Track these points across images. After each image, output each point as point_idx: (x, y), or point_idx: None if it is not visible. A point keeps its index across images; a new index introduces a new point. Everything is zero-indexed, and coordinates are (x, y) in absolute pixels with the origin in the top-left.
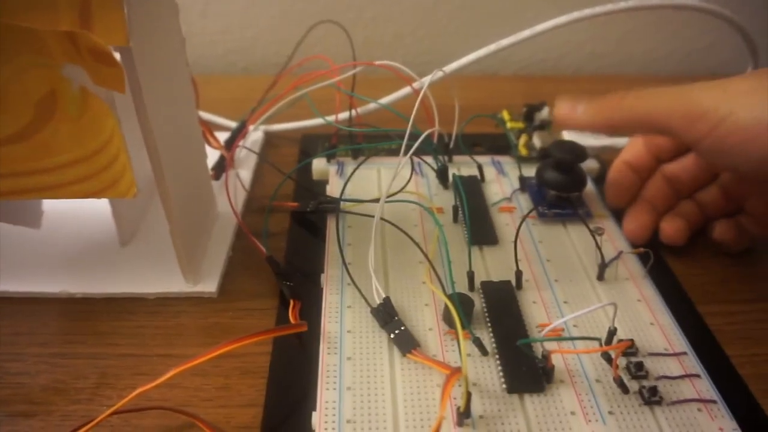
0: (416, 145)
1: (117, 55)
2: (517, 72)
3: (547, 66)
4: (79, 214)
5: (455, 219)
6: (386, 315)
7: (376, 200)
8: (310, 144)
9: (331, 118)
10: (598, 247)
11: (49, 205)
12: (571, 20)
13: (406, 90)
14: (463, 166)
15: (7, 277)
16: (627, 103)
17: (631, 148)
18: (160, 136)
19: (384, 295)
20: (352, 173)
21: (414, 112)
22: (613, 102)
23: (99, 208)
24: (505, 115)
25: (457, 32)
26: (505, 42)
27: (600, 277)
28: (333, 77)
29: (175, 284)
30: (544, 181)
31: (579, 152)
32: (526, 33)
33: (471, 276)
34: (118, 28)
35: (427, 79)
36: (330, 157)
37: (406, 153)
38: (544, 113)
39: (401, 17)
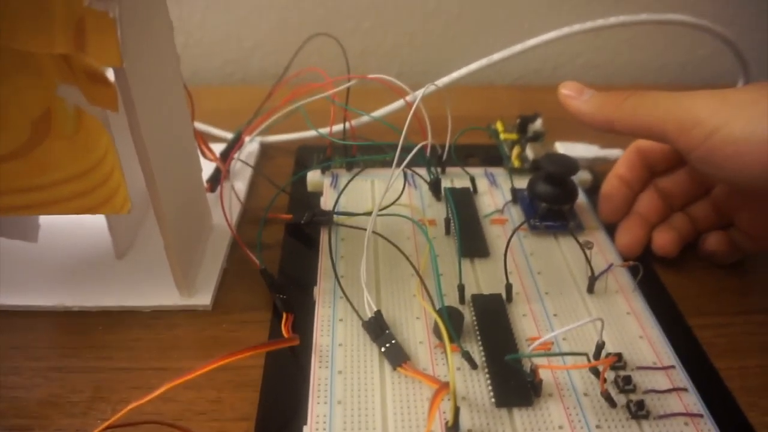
0: (409, 157)
1: (111, 75)
2: (513, 82)
3: (542, 76)
4: (75, 227)
5: (447, 231)
6: (377, 328)
7: (369, 213)
8: (306, 155)
9: (325, 130)
10: (588, 261)
11: (45, 219)
12: (561, 35)
13: (399, 103)
14: (456, 178)
15: (4, 290)
16: (628, 104)
17: (624, 162)
18: (154, 152)
19: (375, 309)
20: (345, 186)
21: (406, 126)
22: (617, 100)
23: (95, 221)
24: (499, 126)
25: (453, 42)
26: (496, 56)
27: (590, 289)
28: (327, 90)
29: (170, 297)
30: (535, 194)
31: (570, 165)
32: (517, 48)
33: (461, 289)
34: (112, 49)
35: (419, 93)
36: (324, 169)
37: (398, 166)
38: (538, 125)
39: (398, 27)
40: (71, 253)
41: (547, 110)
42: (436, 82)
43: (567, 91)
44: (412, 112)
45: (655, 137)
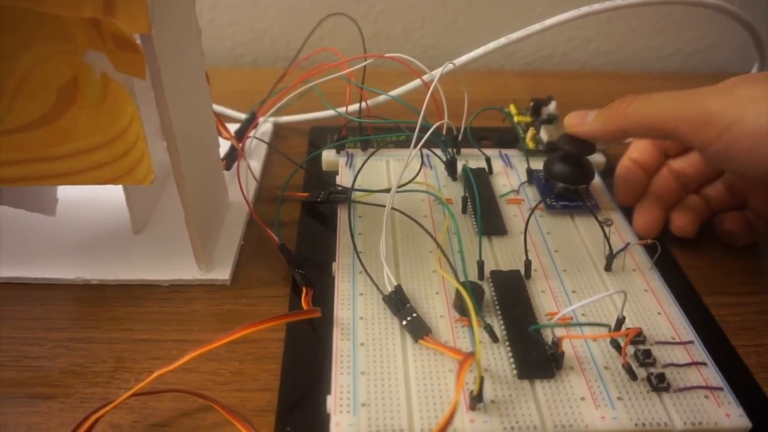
0: (426, 136)
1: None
2: (523, 67)
3: (552, 62)
4: (92, 202)
5: (464, 210)
6: (398, 302)
7: (388, 190)
8: (319, 135)
9: (341, 109)
10: (607, 239)
11: (63, 192)
12: (580, 15)
13: (416, 83)
14: (471, 159)
15: (25, 263)
16: (634, 110)
17: (638, 145)
18: (178, 123)
19: (396, 283)
20: (363, 164)
21: (425, 104)
22: (621, 109)
23: (112, 196)
24: (513, 109)
25: (464, 27)
26: (515, 35)
27: (607, 267)
28: (343, 69)
29: (189, 272)
30: (552, 174)
31: (587, 145)
32: (536, 27)
33: (481, 265)
34: (141, 15)
35: (437, 72)
36: (339, 149)
37: (416, 145)
38: (551, 107)
39: (410, 11)
40: (89, 227)
41: (557, 94)
42: (454, 61)
43: (572, 121)
44: (431, 90)
45: (667, 137)
